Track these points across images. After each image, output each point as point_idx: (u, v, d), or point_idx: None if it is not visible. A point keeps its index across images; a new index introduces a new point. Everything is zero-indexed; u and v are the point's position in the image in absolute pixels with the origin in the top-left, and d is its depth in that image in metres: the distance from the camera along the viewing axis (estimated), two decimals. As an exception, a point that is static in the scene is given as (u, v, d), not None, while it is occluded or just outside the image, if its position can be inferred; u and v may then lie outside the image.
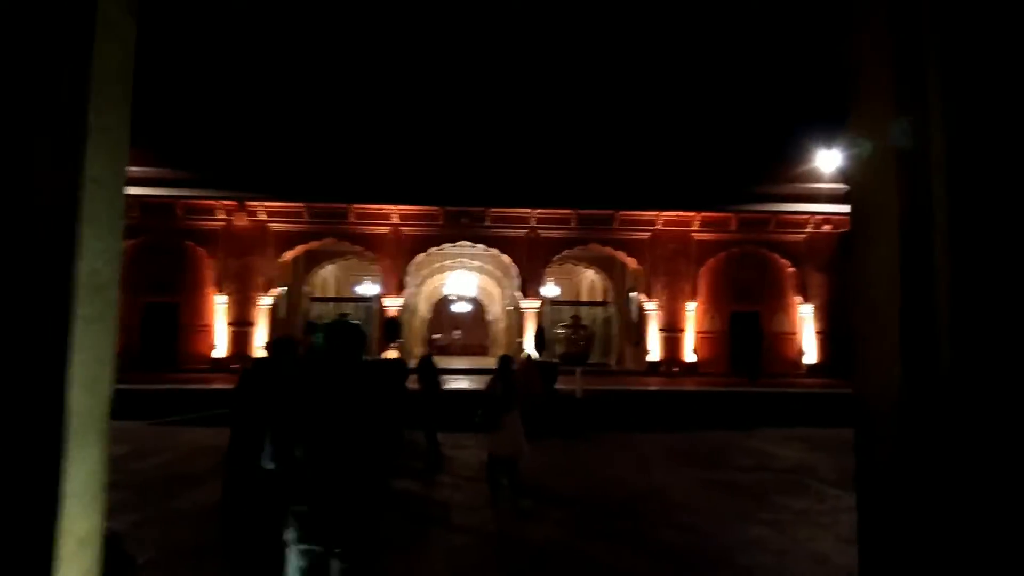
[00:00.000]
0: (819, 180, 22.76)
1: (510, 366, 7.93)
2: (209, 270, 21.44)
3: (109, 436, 2.00)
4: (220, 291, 21.37)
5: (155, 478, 8.74)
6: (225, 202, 20.97)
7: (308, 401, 2.90)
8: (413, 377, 11.53)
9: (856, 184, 2.19)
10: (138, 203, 20.76)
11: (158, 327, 21.31)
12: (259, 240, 21.54)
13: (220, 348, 21.22)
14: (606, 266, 26.21)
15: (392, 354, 20.52)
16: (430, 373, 10.40)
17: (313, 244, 22.25)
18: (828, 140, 22.82)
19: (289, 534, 2.90)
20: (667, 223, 22.04)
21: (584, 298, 30.51)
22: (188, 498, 7.78)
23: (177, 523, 7.00)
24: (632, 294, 24.40)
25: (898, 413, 1.84)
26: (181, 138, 21.99)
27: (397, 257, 21.97)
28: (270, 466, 2.99)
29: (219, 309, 21.40)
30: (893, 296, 1.87)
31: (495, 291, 32.95)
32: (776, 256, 22.27)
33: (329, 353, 3.05)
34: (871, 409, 2.03)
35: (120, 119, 2.03)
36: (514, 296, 24.76)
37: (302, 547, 2.84)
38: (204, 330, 21.47)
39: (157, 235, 21.14)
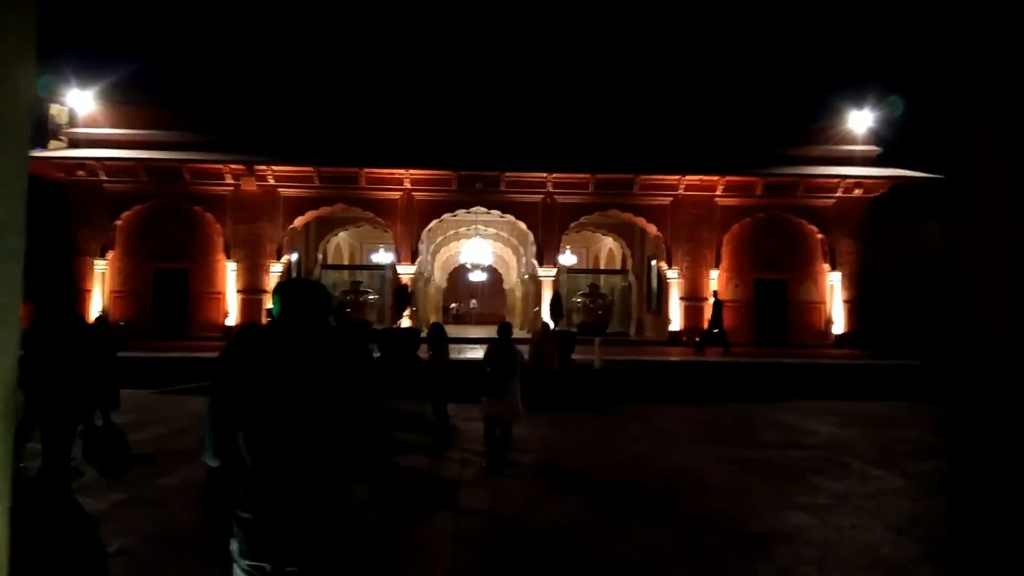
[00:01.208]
0: (850, 142, 21.77)
1: (509, 334, 8.09)
2: (218, 236, 20.94)
3: (14, 403, 1.46)
4: (230, 258, 20.88)
5: (149, 452, 8.25)
6: (233, 166, 20.37)
7: (252, 378, 2.26)
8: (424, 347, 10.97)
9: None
10: (144, 167, 20.24)
11: (168, 294, 20.91)
12: (269, 206, 20.97)
13: (231, 316, 20.80)
14: (625, 233, 25.42)
15: (405, 322, 20.05)
16: (438, 342, 9.79)
17: (324, 210, 21.64)
18: (859, 100, 21.77)
19: (233, 545, 2.29)
20: (689, 188, 21.15)
21: (602, 266, 29.76)
22: (179, 475, 7.28)
23: (164, 503, 6.50)
24: (652, 262, 23.63)
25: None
26: (188, 100, 21.41)
27: (410, 224, 21.32)
28: (212, 462, 2.37)
29: (230, 276, 20.93)
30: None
31: (511, 259, 32.28)
32: (804, 222, 21.34)
33: (284, 319, 2.42)
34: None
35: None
36: (531, 264, 24.08)
37: (246, 564, 2.23)
38: (215, 297, 21.04)
39: (164, 200, 20.64)
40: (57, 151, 20.20)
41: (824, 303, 21.45)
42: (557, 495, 7.02)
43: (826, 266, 21.39)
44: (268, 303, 20.31)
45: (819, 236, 21.39)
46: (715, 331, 18.74)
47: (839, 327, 21.26)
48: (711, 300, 19.94)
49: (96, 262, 20.43)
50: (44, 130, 22.07)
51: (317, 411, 2.28)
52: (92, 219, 20.35)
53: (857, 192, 21.44)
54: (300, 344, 2.35)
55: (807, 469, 8.14)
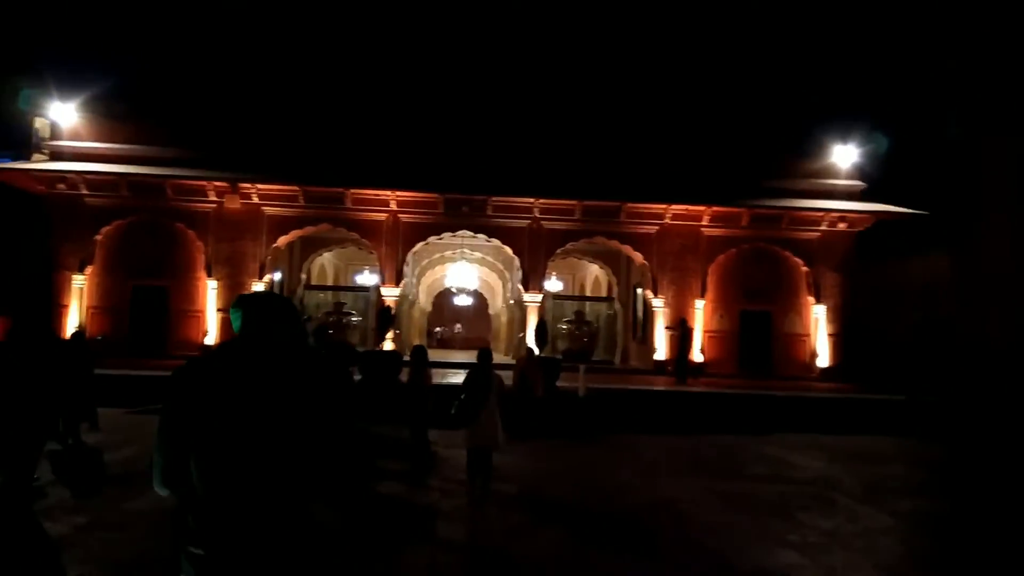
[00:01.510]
0: (835, 176, 21.92)
1: (489, 360, 7.91)
2: (200, 253, 20.62)
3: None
4: (211, 276, 20.56)
5: (115, 474, 7.93)
6: (217, 183, 20.13)
7: (207, 398, 2.08)
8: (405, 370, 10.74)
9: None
10: (126, 182, 19.96)
11: (147, 311, 20.50)
12: (252, 224, 20.73)
13: (211, 334, 20.43)
14: (611, 260, 25.37)
15: (388, 345, 19.77)
16: (419, 364, 9.56)
17: (308, 229, 21.42)
18: (844, 134, 21.99)
19: (183, 585, 2.09)
20: (676, 217, 21.16)
21: (588, 293, 29.67)
22: (146, 499, 6.98)
23: (127, 528, 6.22)
24: (638, 290, 23.57)
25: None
26: (172, 115, 21.21)
27: (395, 245, 21.14)
28: (162, 491, 2.18)
29: (211, 294, 20.59)
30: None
31: (497, 284, 32.15)
32: (789, 254, 21.39)
33: (245, 335, 2.24)
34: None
35: None
36: (516, 289, 23.94)
37: (199, 608, 2.03)
38: (195, 315, 20.67)
39: (146, 215, 20.33)
40: (37, 163, 19.88)
41: (809, 336, 21.44)
42: (538, 526, 6.80)
43: (811, 299, 21.42)
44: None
45: (804, 269, 21.44)
46: (682, 359, 18.86)
47: (824, 360, 21.23)
48: (671, 330, 20.10)
49: (75, 277, 20.03)
50: (28, 143, 21.76)
51: (280, 434, 2.09)
52: (72, 233, 19.99)
53: (842, 226, 21.56)
54: (261, 361, 2.17)
55: (794, 505, 7.98)
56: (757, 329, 21.23)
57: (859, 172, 22.10)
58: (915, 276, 23.55)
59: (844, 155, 21.83)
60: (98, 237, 20.18)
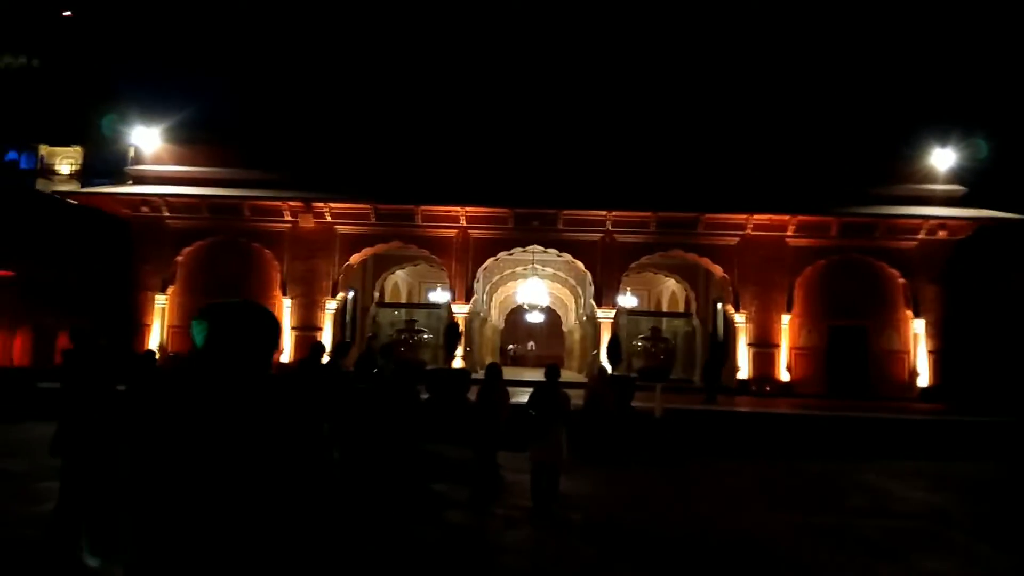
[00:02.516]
0: (933, 180, 20.39)
1: (557, 377, 7.94)
2: (276, 272, 20.90)
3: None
4: (286, 294, 20.79)
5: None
6: (292, 203, 20.40)
7: (155, 448, 1.61)
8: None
9: None
10: (205, 204, 20.46)
11: (224, 330, 20.89)
12: (325, 243, 20.88)
13: (286, 352, 20.61)
14: (688, 275, 24.39)
15: (458, 363, 19.46)
16: (491, 383, 8.98)
17: (380, 247, 21.42)
18: (943, 137, 20.49)
19: None
20: (758, 227, 20.09)
21: (664, 309, 28.67)
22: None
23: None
24: (718, 305, 22.51)
25: None
26: (249, 138, 21.70)
27: (465, 262, 20.87)
28: (92, 562, 1.71)
29: (286, 313, 20.81)
30: None
31: (569, 300, 31.50)
32: (884, 265, 19.95)
33: (210, 359, 1.77)
34: None
35: None
36: (589, 305, 23.27)
37: None
38: (270, 334, 20.91)
39: (224, 236, 20.78)
40: (122, 187, 20.64)
41: (908, 353, 19.87)
42: (610, 564, 6.16)
43: (909, 313, 19.89)
44: (323, 340, 20.07)
45: (901, 280, 19.95)
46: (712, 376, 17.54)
47: (924, 379, 19.63)
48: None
49: (157, 297, 20.62)
50: (122, 169, 22.73)
51: (252, 504, 1.61)
52: (154, 254, 20.61)
53: (941, 234, 20.00)
54: (232, 401, 1.69)
55: (901, 543, 7.05)
56: (848, 346, 19.83)
57: (958, 176, 20.50)
58: (1022, 287, 21.63)
59: (942, 158, 20.31)
60: (179, 258, 20.73)
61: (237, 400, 1.69)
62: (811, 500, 9.11)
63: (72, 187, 31.44)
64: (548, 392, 7.74)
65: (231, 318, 1.83)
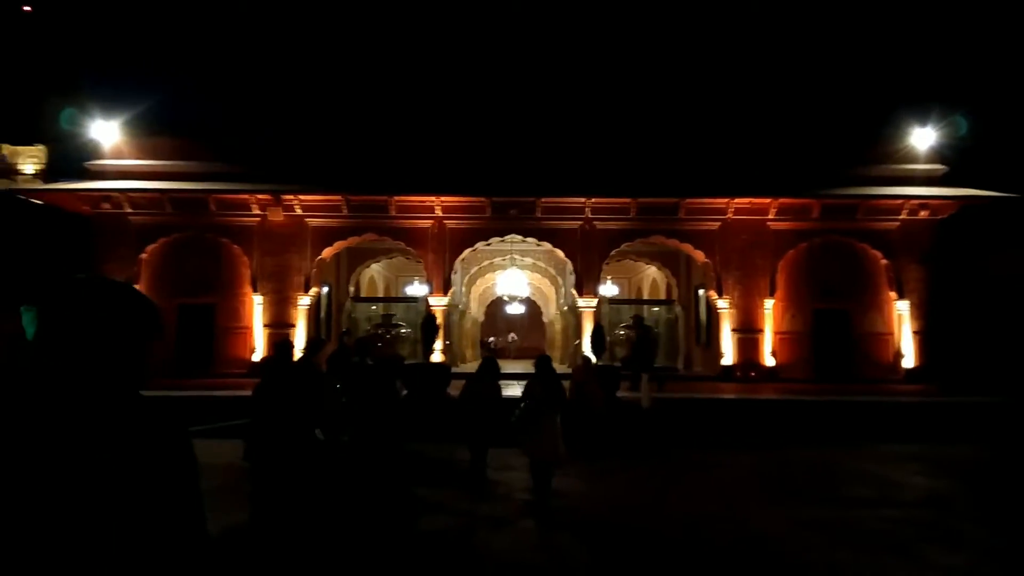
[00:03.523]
0: (914, 160, 20.17)
1: (549, 367, 7.69)
2: (245, 268, 20.16)
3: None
4: (257, 291, 20.07)
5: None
6: (260, 196, 19.66)
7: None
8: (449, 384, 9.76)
9: None
10: (169, 198, 19.66)
11: (193, 330, 20.12)
12: (296, 236, 20.18)
13: (258, 351, 19.91)
14: (670, 261, 24.02)
15: (437, 357, 18.91)
16: (490, 376, 8.48)
17: (353, 240, 20.77)
18: (923, 116, 20.25)
19: None
20: (739, 211, 19.74)
21: (646, 297, 28.32)
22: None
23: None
24: (700, 291, 22.17)
25: None
26: (213, 130, 20.90)
27: (441, 253, 20.29)
28: None
29: (257, 310, 20.10)
30: None
31: (549, 291, 31.06)
32: (866, 246, 19.71)
33: (45, 360, 1.24)
34: None
35: None
36: (570, 295, 22.82)
37: None
38: (242, 332, 20.19)
39: (190, 232, 19.99)
40: (81, 183, 19.75)
41: (892, 334, 19.68)
42: (609, 569, 5.69)
43: (892, 294, 19.68)
44: (297, 337, 19.41)
45: (883, 262, 19.72)
46: (641, 364, 16.79)
47: (909, 361, 19.45)
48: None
49: (121, 297, 19.76)
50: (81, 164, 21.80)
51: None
52: (117, 252, 19.78)
53: (923, 214, 19.79)
54: (60, 421, 1.16)
55: (909, 536, 6.66)
56: (833, 329, 19.59)
57: (939, 155, 20.30)
58: (1007, 265, 21.48)
59: (922, 137, 20.08)
60: (143, 256, 19.92)
61: (73, 423, 1.16)
62: (809, 490, 8.73)
63: (36, 187, 30.30)
64: (542, 383, 7.48)
65: (74, 299, 1.29)
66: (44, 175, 33.42)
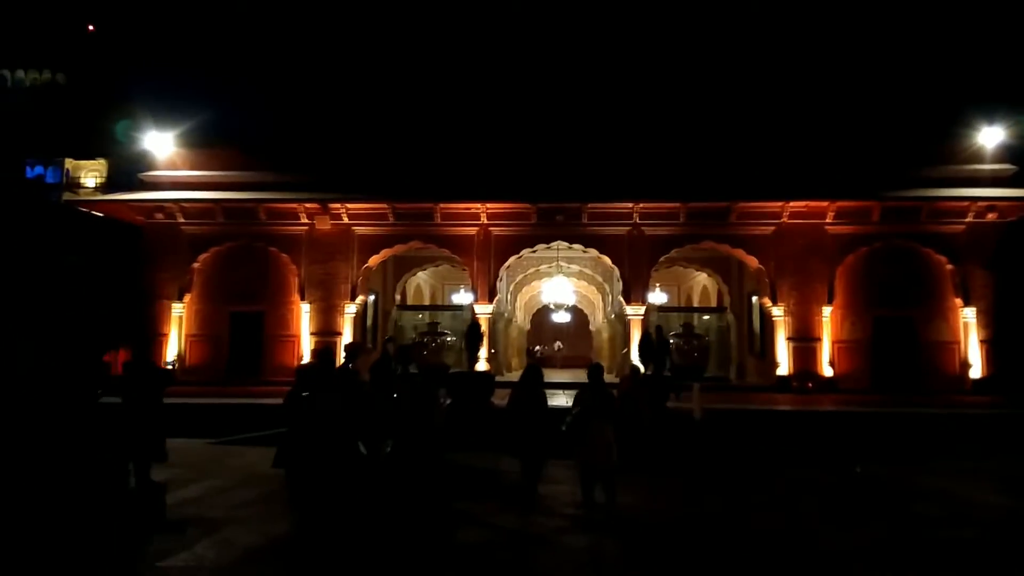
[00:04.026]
0: (980, 160, 19.25)
1: (601, 376, 7.72)
2: (294, 277, 20.34)
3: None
4: (304, 299, 20.22)
5: (170, 518, 7.07)
6: (308, 205, 19.83)
7: None
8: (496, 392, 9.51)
9: None
10: (220, 208, 19.98)
11: (244, 337, 20.38)
12: (343, 245, 20.28)
13: (305, 358, 20.02)
14: (721, 268, 23.41)
15: (482, 366, 18.70)
16: (533, 386, 8.13)
17: (398, 248, 20.76)
18: (990, 113, 19.29)
19: None
20: (795, 215, 19.10)
21: (696, 304, 27.67)
22: (196, 551, 6.00)
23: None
24: (754, 298, 21.51)
25: None
26: (263, 141, 21.18)
27: (486, 260, 20.13)
28: None
29: (304, 318, 20.25)
30: None
31: (596, 299, 30.65)
32: (930, 251, 18.85)
33: None
34: None
35: None
36: (617, 302, 22.41)
37: None
38: (290, 340, 20.36)
39: (241, 241, 20.28)
40: (134, 194, 20.20)
41: (958, 343, 18.73)
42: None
43: (958, 301, 18.75)
44: (341, 346, 19.41)
45: (948, 267, 18.82)
46: (666, 373, 16.20)
47: (976, 371, 18.49)
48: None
49: (174, 305, 20.17)
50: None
51: None
52: (170, 262, 20.17)
53: (990, 216, 18.86)
54: None
55: (991, 560, 6.13)
56: (895, 337, 18.76)
57: (1008, 154, 19.34)
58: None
59: (989, 135, 19.15)
60: (195, 265, 20.26)
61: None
62: (880, 510, 8.19)
63: (91, 198, 31.30)
64: (594, 392, 7.47)
65: None
66: (104, 188, 34.35)
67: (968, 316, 18.71)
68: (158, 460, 9.58)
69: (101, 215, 21.87)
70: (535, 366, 8.61)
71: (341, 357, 10.83)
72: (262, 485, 8.46)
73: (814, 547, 6.51)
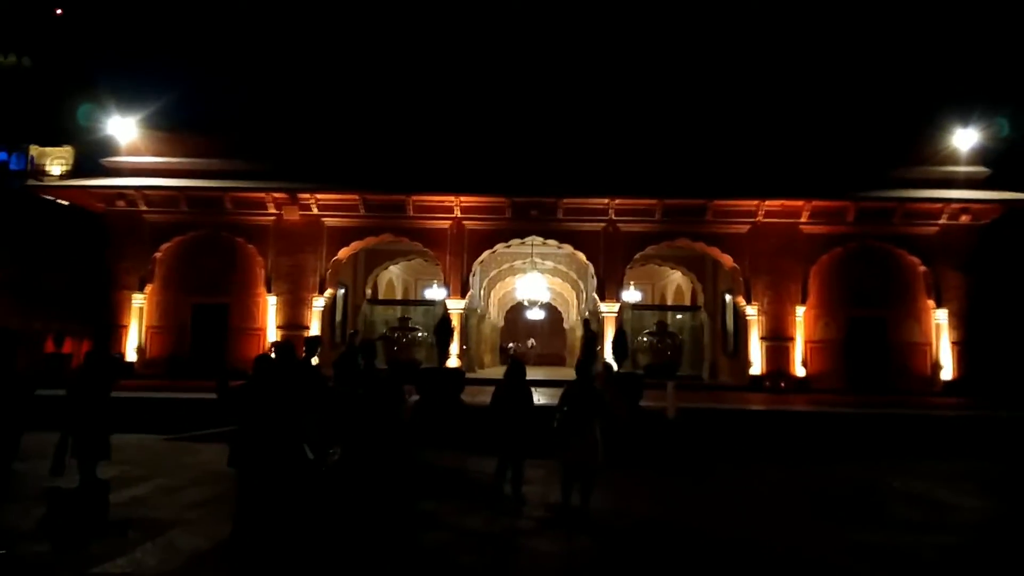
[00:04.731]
0: (954, 162, 19.30)
1: (589, 373, 7.61)
2: (260, 268, 19.76)
3: None
4: (271, 291, 19.66)
5: (116, 518, 6.61)
6: (276, 194, 19.27)
7: None
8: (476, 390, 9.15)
9: None
10: (184, 196, 19.34)
11: (207, 330, 19.75)
12: (312, 236, 19.75)
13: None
14: (695, 266, 23.27)
15: (453, 362, 18.30)
16: (517, 383, 7.87)
17: (370, 240, 20.29)
18: (964, 116, 19.35)
19: None
20: (770, 214, 18.98)
21: (670, 303, 27.54)
22: (135, 557, 5.55)
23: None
24: (727, 297, 21.39)
25: None
26: (230, 127, 20.57)
27: (460, 255, 19.74)
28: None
29: (271, 311, 19.68)
30: None
31: (571, 296, 30.40)
32: (903, 252, 18.86)
33: None
34: None
35: None
36: (591, 299, 22.15)
37: None
38: (255, 333, 19.77)
39: (205, 231, 19.66)
40: (94, 180, 19.48)
41: (930, 344, 18.77)
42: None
43: (931, 302, 18.79)
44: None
45: (922, 268, 18.85)
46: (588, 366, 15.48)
47: (948, 372, 18.53)
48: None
49: (134, 296, 19.48)
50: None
51: None
52: (131, 251, 19.48)
53: (964, 218, 18.91)
54: None
55: (975, 569, 5.92)
56: (868, 338, 18.75)
57: (981, 157, 19.42)
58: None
59: (963, 138, 19.21)
60: (157, 254, 19.60)
61: None
62: (854, 512, 7.99)
63: (50, 184, 30.36)
64: (581, 389, 7.32)
65: None
66: (71, 176, 33.41)
67: (940, 318, 18.75)
68: (102, 458, 9.06)
69: (66, 203, 21.11)
70: (519, 362, 8.35)
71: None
72: (214, 484, 8.02)
73: (790, 553, 6.25)
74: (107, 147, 20.05)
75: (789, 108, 20.35)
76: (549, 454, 7.48)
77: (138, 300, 19.47)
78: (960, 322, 18.79)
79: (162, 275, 19.77)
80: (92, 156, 21.19)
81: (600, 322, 20.22)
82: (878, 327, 18.78)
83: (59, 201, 22.41)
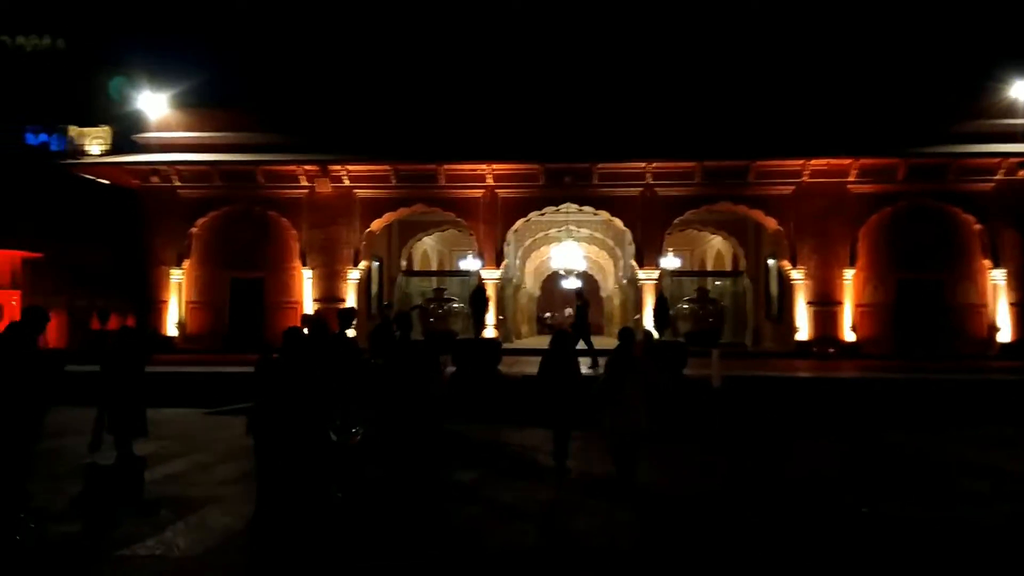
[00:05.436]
0: (1012, 115, 18.23)
1: (631, 340, 7.40)
2: (295, 242, 19.72)
3: None
4: (306, 265, 19.61)
5: (150, 498, 6.50)
6: (307, 167, 19.12)
7: None
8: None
9: None
10: (218, 171, 19.31)
11: (245, 304, 19.83)
12: (345, 209, 19.60)
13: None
14: (737, 230, 22.61)
15: (489, 332, 18.10)
16: (564, 353, 7.68)
17: (402, 211, 20.07)
18: (1019, 63, 18.25)
19: None
20: (816, 174, 18.23)
21: (710, 269, 26.90)
22: (165, 538, 5.41)
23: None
24: (771, 261, 20.74)
25: None
26: (261, 101, 20.44)
27: (494, 224, 19.41)
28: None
29: (306, 284, 19.67)
30: None
31: (607, 264, 29.92)
32: (958, 210, 17.99)
33: None
34: None
35: None
36: (629, 267, 21.68)
37: None
38: (291, 307, 19.77)
39: (239, 205, 19.64)
40: (130, 156, 19.53)
41: (986, 306, 17.97)
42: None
43: (987, 262, 17.94)
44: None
45: (977, 227, 17.98)
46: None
47: (1005, 335, 17.73)
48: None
49: (172, 271, 19.61)
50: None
51: None
52: (167, 227, 19.58)
53: (1021, 173, 17.92)
54: None
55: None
56: (920, 300, 18.02)
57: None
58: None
59: (1021, 89, 18.08)
60: (193, 230, 19.67)
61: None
62: (915, 484, 7.57)
63: (84, 161, 30.82)
64: (624, 356, 7.13)
65: None
66: (109, 155, 33.85)
67: (997, 278, 17.92)
68: (138, 435, 9.02)
69: (107, 183, 21.26)
70: (564, 332, 8.21)
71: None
72: (248, 459, 7.87)
73: (864, 534, 5.88)
74: (140, 124, 20.08)
75: (834, 62, 19.41)
76: (589, 425, 7.23)
77: (176, 275, 19.60)
78: (1018, 282, 17.93)
79: (199, 250, 19.85)
80: (127, 134, 21.30)
81: (639, 290, 19.79)
82: (930, 289, 18.02)
83: (99, 180, 22.64)
